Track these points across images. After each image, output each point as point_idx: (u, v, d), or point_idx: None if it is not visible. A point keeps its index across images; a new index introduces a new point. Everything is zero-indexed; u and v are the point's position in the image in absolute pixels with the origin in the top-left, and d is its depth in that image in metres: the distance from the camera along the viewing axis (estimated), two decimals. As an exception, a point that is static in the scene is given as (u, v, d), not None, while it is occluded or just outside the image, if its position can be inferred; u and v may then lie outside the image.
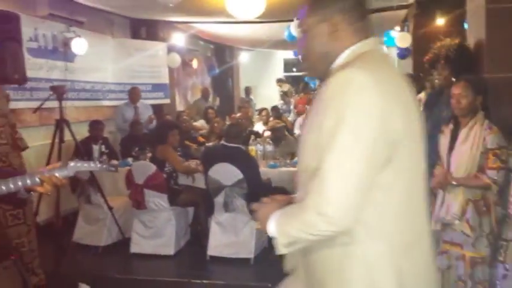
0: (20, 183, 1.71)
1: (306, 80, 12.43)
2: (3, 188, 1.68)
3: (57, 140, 4.37)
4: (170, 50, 8.19)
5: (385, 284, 1.35)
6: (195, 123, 7.89)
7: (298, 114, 9.60)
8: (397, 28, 8.20)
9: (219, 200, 4.30)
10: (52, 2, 5.35)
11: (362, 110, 1.28)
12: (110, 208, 4.64)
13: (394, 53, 8.03)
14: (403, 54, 7.77)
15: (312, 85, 12.09)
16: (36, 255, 3.48)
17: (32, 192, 1.78)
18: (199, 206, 4.68)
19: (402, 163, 1.35)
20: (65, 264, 4.24)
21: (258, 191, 4.23)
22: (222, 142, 4.50)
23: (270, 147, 5.56)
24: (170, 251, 4.47)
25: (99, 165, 1.88)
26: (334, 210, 1.27)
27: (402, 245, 1.38)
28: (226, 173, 4.23)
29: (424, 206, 1.47)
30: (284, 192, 4.59)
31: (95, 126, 5.69)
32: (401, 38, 7.46)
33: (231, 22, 7.00)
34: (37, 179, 1.74)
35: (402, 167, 1.35)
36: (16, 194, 1.76)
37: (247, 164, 4.30)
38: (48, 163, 4.53)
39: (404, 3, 6.52)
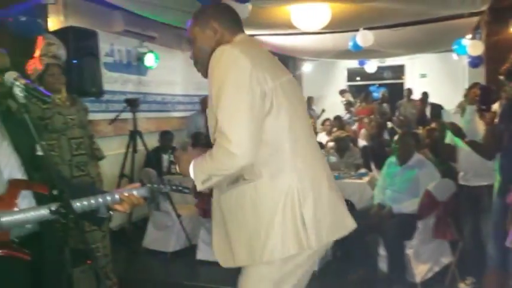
0: (101, 200, 1.82)
1: (369, 90, 12.22)
2: (85, 203, 1.80)
3: (130, 150, 4.62)
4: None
5: (289, 206, 1.70)
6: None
7: (360, 124, 9.46)
8: (469, 36, 7.86)
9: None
10: (127, 18, 5.67)
11: (236, 72, 1.66)
12: (178, 216, 4.82)
13: (465, 61, 7.70)
14: (474, 62, 7.45)
15: (374, 95, 11.87)
16: (109, 260, 3.67)
17: (111, 212, 1.89)
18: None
19: (281, 114, 1.73)
20: (135, 269, 4.44)
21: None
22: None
23: (334, 158, 5.51)
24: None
25: (174, 188, 2.01)
26: (235, 148, 1.61)
27: (298, 175, 1.74)
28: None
29: (315, 147, 1.90)
30: (349, 205, 4.60)
31: (165, 136, 5.94)
32: (473, 46, 7.16)
33: (296, 33, 7.04)
34: (117, 197, 1.85)
35: (282, 117, 1.73)
36: (97, 212, 1.87)
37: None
38: (121, 172, 4.80)
39: (476, 11, 6.25)
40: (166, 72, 6.81)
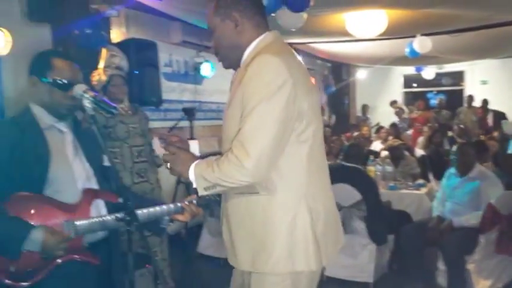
0: (165, 209, 1.90)
1: (425, 97, 11.84)
2: (150, 212, 1.87)
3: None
4: (288, 70, 8.36)
5: (301, 223, 1.67)
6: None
7: (416, 132, 9.18)
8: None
9: (337, 220, 4.26)
10: (185, 29, 5.84)
11: (277, 88, 1.58)
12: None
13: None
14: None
15: (432, 102, 11.48)
16: (167, 264, 3.78)
17: (171, 223, 1.96)
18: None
19: (307, 131, 1.68)
20: (190, 273, 4.53)
21: (378, 213, 4.14)
22: (341, 162, 4.47)
23: (389, 168, 5.38)
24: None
25: None
26: (251, 164, 1.55)
27: (312, 192, 1.70)
28: (345, 193, 4.18)
29: (325, 164, 1.86)
30: (406, 216, 4.49)
31: (220, 144, 6.03)
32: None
33: (351, 41, 6.97)
34: (179, 207, 1.92)
35: (307, 134, 1.69)
36: (159, 221, 1.94)
37: (366, 185, 4.22)
38: (179, 178, 4.92)
39: None
40: (221, 81, 6.91)
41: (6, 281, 1.66)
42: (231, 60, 1.80)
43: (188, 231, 5.58)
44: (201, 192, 1.65)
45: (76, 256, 1.76)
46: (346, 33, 5.74)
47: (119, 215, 1.74)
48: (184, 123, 5.12)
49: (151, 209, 1.88)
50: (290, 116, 1.61)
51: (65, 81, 1.83)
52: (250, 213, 1.71)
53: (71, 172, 1.84)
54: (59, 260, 1.71)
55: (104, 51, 3.56)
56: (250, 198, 1.70)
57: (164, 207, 1.91)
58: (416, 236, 4.02)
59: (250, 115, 1.58)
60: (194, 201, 1.94)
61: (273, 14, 4.10)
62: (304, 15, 4.13)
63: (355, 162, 4.32)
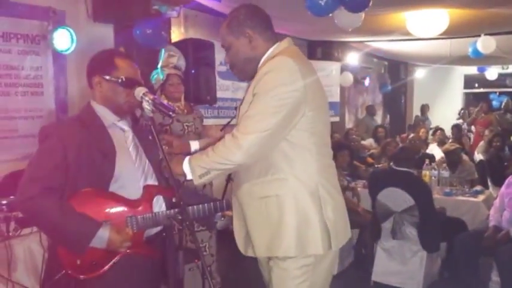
0: (217, 207, 1.99)
1: (488, 98, 11.30)
2: (203, 208, 1.96)
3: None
4: (343, 69, 8.29)
5: (312, 209, 1.78)
6: (363, 142, 7.81)
7: (477, 136, 8.79)
8: None
9: (387, 225, 4.19)
10: (241, 29, 5.91)
11: (289, 85, 1.71)
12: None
13: None
14: None
15: (494, 103, 10.94)
16: (214, 259, 3.87)
17: (223, 218, 2.04)
18: (365, 229, 4.62)
19: (316, 126, 1.81)
20: (237, 270, 4.60)
21: (430, 220, 4.03)
22: (391, 165, 4.38)
23: (445, 173, 5.20)
24: (333, 270, 4.50)
25: None
26: (246, 143, 1.68)
27: (321, 182, 1.81)
28: (396, 198, 4.10)
29: (331, 159, 1.94)
30: (461, 224, 4.33)
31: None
32: None
33: (410, 39, 6.79)
34: (229, 203, 2.00)
35: (316, 129, 1.81)
36: (211, 216, 2.02)
37: (419, 190, 4.11)
38: (229, 175, 5.01)
39: None
40: (274, 79, 6.97)
41: (74, 274, 1.76)
42: (246, 72, 1.94)
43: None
44: (197, 181, 1.78)
45: (136, 250, 1.84)
46: (407, 32, 5.60)
47: (171, 213, 1.83)
48: (236, 121, 5.20)
49: (202, 206, 1.96)
50: (293, 112, 1.74)
51: (129, 80, 1.89)
52: (263, 199, 1.81)
53: (134, 169, 1.91)
54: (122, 254, 1.81)
55: (162, 52, 3.69)
56: (263, 185, 1.82)
57: (216, 203, 1.99)
58: (471, 245, 3.88)
59: (255, 102, 1.74)
60: None
61: (330, 15, 4.07)
62: (362, 15, 4.07)
63: (406, 166, 4.20)
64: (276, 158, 1.79)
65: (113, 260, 1.80)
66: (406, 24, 5.48)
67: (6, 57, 3.69)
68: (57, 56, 3.92)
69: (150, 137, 1.83)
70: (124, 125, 1.97)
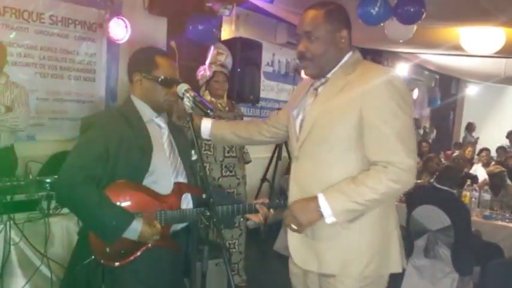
0: (240, 209, 2.02)
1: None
2: (228, 209, 1.99)
3: (275, 156, 4.83)
4: (391, 79, 8.11)
5: (391, 227, 1.78)
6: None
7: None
8: None
9: (420, 243, 4.09)
10: (290, 31, 5.91)
11: (408, 104, 1.69)
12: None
13: None
14: None
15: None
16: (243, 257, 3.91)
17: (242, 219, 2.07)
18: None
19: None
20: (264, 270, 4.62)
21: (466, 242, 3.91)
22: (433, 183, 4.27)
23: (487, 195, 5.02)
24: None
25: None
26: (413, 163, 1.64)
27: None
28: (433, 216, 4.00)
29: None
30: (498, 250, 4.18)
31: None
32: None
33: (463, 55, 6.57)
34: (253, 207, 2.03)
35: None
36: (231, 217, 2.05)
37: (457, 211, 3.99)
38: (264, 176, 5.05)
39: None
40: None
41: (102, 260, 1.83)
42: (321, 69, 1.80)
43: (267, 227, 5.68)
44: (342, 218, 1.68)
45: (163, 243, 1.90)
46: (459, 48, 5.44)
47: (200, 209, 1.87)
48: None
49: (226, 207, 2.00)
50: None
51: (168, 80, 1.93)
52: (346, 224, 1.72)
53: (168, 165, 1.95)
54: (150, 245, 1.86)
55: (211, 49, 3.75)
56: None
57: (239, 205, 2.02)
58: (506, 274, 3.73)
59: (396, 128, 1.65)
60: (266, 204, 2.03)
61: (381, 24, 4.02)
62: (414, 27, 3.99)
63: (448, 186, 4.10)
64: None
65: (141, 250, 1.86)
66: (459, 39, 5.32)
67: (64, 41, 3.85)
68: (111, 44, 4.06)
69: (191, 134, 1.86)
70: (161, 121, 2.01)
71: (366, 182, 1.64)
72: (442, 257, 3.96)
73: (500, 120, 10.84)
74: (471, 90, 11.47)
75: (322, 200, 1.67)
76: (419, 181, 5.74)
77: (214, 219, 1.76)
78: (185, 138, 2.12)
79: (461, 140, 10.71)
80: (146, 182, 1.89)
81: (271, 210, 2.03)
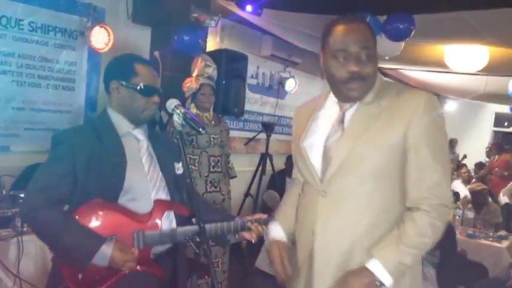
0: (232, 227, 1.90)
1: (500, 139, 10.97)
2: (218, 227, 1.88)
3: (259, 171, 4.74)
4: (374, 93, 8.15)
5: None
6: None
7: (496, 178, 8.48)
8: None
9: (406, 262, 4.06)
10: (275, 44, 5.87)
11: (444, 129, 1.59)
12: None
13: None
14: None
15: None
16: (226, 276, 3.79)
17: (237, 237, 1.95)
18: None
19: None
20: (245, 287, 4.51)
21: (451, 262, 3.89)
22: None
23: (470, 213, 5.04)
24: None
25: None
26: (449, 203, 1.56)
27: None
28: (418, 235, 3.97)
29: None
30: (482, 270, 4.16)
31: (291, 161, 5.99)
32: None
33: (447, 72, 6.64)
34: (245, 224, 1.91)
35: None
36: (225, 234, 1.94)
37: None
38: (248, 191, 4.95)
39: None
40: (304, 98, 6.81)
41: (74, 287, 1.68)
42: (366, 92, 1.60)
43: (248, 243, 5.55)
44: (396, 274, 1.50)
45: (142, 268, 1.76)
46: (443, 65, 5.48)
47: (188, 233, 1.75)
48: (261, 135, 5.15)
49: (218, 224, 1.88)
50: None
51: (148, 88, 1.82)
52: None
53: (146, 181, 1.82)
54: (126, 271, 1.72)
55: (199, 60, 3.66)
56: None
57: (231, 223, 1.90)
58: (492, 294, 3.72)
59: (439, 163, 1.52)
60: (261, 221, 1.93)
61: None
62: (402, 44, 3.98)
63: (434, 205, 4.08)
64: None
65: (116, 277, 1.71)
66: (444, 57, 5.37)
67: (43, 49, 3.69)
68: (93, 53, 3.91)
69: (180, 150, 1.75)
70: (139, 133, 1.89)
71: (418, 231, 1.49)
72: (427, 277, 3.90)
73: (479, 136, 11.03)
74: (450, 106, 11.64)
75: (379, 269, 1.48)
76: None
77: (205, 247, 1.63)
78: (169, 149, 1.99)
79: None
80: (122, 200, 1.76)
81: (264, 227, 1.92)
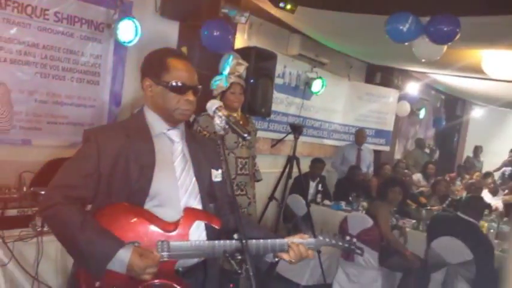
0: (269, 246, 1.71)
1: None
2: (258, 247, 1.69)
3: (285, 174, 4.55)
4: (401, 97, 7.93)
5: None
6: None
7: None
8: None
9: (437, 276, 3.85)
10: (303, 43, 5.70)
11: None
12: (318, 251, 4.61)
13: None
14: None
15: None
16: (250, 284, 3.62)
17: (276, 259, 1.76)
18: (411, 274, 4.28)
19: None
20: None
21: (487, 279, 3.66)
22: (458, 213, 4.01)
23: (506, 227, 4.78)
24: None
25: (346, 245, 1.84)
26: None
27: None
28: (453, 249, 3.76)
29: None
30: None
31: (317, 164, 5.81)
32: None
33: (480, 78, 6.38)
34: (286, 246, 1.72)
35: None
36: (262, 257, 1.75)
37: (481, 245, 3.75)
38: (272, 194, 4.76)
39: None
40: (330, 99, 6.70)
41: None
42: None
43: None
44: None
45: (165, 281, 1.58)
46: (479, 71, 5.24)
47: (228, 250, 1.58)
48: (288, 138, 4.97)
49: (261, 242, 1.69)
50: None
51: (181, 85, 1.65)
52: None
53: (176, 187, 1.66)
54: (147, 278, 1.54)
55: (231, 58, 3.49)
56: None
57: (275, 241, 1.71)
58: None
59: None
60: (304, 244, 1.74)
61: (406, 43, 3.78)
62: (444, 47, 3.76)
63: (473, 217, 3.87)
64: None
65: (137, 287, 1.54)
66: (481, 62, 5.12)
67: (68, 40, 3.57)
68: (119, 46, 3.79)
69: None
70: (174, 134, 1.72)
71: None
72: (460, 293, 3.72)
73: (506, 145, 10.67)
74: (476, 113, 11.32)
75: None
76: (433, 207, 5.49)
77: (248, 266, 1.45)
78: (208, 154, 1.81)
79: (463, 163, 10.52)
80: (148, 205, 1.60)
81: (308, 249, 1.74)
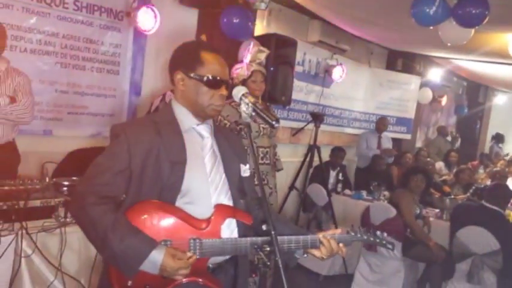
0: (301, 242, 1.66)
1: None
2: (290, 242, 1.65)
3: (306, 163, 4.50)
4: (422, 84, 7.76)
5: None
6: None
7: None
8: None
9: (463, 267, 3.77)
10: (323, 29, 5.59)
11: None
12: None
13: None
14: None
15: None
16: (271, 273, 3.59)
17: (306, 255, 1.72)
18: (434, 264, 4.20)
19: None
20: (287, 283, 4.32)
21: (514, 269, 3.58)
22: (483, 202, 3.91)
23: (533, 217, 4.66)
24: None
25: (378, 241, 1.80)
26: None
27: None
28: (480, 239, 3.67)
29: None
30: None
31: (337, 153, 5.73)
32: None
33: (507, 64, 6.19)
34: (317, 242, 1.67)
35: None
36: (292, 254, 1.70)
37: (507, 234, 3.65)
38: (293, 184, 4.72)
39: None
40: (350, 87, 6.59)
41: None
42: None
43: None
44: None
45: (198, 279, 1.56)
46: (506, 56, 5.07)
47: (257, 242, 1.53)
48: (307, 126, 4.90)
49: (293, 237, 1.65)
50: None
51: (215, 80, 1.61)
52: None
53: (207, 183, 1.62)
54: (183, 280, 1.52)
55: (252, 45, 3.42)
56: None
57: (307, 237, 1.67)
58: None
59: None
60: (337, 240, 1.68)
61: (431, 27, 3.65)
62: (472, 31, 3.63)
63: (498, 205, 3.78)
64: None
65: (169, 286, 1.52)
66: (507, 46, 4.95)
67: (88, 30, 3.55)
68: (138, 35, 3.75)
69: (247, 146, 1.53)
70: (204, 130, 1.68)
71: None
72: (486, 283, 3.67)
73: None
74: (499, 100, 11.05)
75: None
76: (457, 197, 5.38)
77: (277, 258, 1.41)
78: (236, 149, 1.77)
79: (487, 151, 10.30)
80: (179, 203, 1.56)
81: (341, 245, 1.69)
